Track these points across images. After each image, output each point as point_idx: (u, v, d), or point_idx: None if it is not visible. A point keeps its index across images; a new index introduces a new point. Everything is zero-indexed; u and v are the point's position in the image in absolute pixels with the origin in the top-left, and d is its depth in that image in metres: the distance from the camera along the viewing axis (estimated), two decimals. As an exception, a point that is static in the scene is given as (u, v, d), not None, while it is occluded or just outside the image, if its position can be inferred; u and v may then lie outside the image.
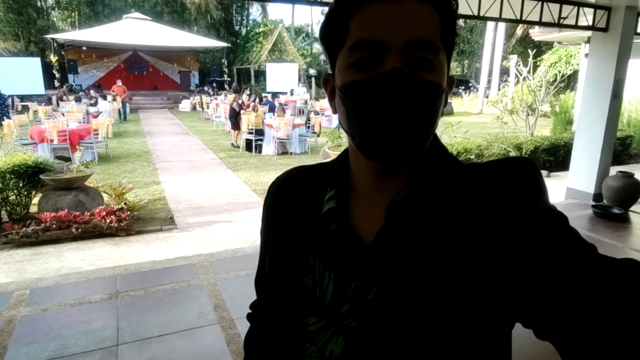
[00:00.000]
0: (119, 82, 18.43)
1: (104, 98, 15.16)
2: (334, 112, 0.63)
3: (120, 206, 5.34)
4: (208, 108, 17.40)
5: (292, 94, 21.21)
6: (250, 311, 0.86)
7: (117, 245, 4.85)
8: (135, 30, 22.32)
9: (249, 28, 30.65)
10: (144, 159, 9.71)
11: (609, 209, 5.63)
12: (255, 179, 7.98)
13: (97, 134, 9.49)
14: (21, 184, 5.35)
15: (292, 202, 0.70)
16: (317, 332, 0.61)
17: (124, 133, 13.35)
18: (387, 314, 0.56)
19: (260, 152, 10.70)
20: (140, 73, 25.38)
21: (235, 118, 11.45)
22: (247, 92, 15.43)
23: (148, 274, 3.76)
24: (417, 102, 0.53)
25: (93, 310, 3.13)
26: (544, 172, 8.28)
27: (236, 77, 27.62)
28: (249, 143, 10.83)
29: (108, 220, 5.01)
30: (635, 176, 5.76)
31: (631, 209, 5.76)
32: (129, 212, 5.26)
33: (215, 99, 18.10)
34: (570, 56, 19.72)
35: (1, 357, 2.57)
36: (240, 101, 12.21)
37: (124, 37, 21.77)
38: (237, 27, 31.82)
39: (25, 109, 14.48)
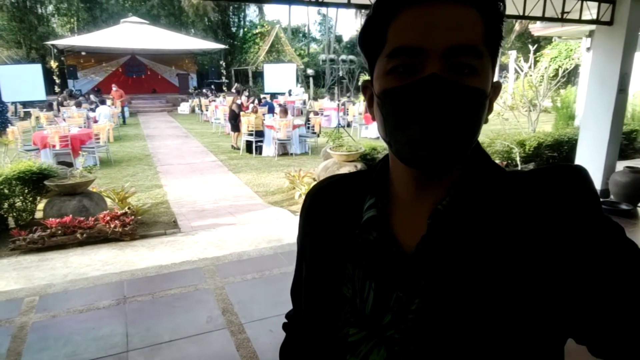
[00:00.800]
0: (114, 87, 18.57)
1: (103, 102, 15.15)
2: (373, 119, 0.62)
3: (123, 211, 5.34)
4: (207, 110, 17.38)
5: (290, 94, 21.19)
6: (285, 321, 0.85)
7: (122, 250, 4.84)
8: (132, 34, 22.32)
9: (246, 29, 30.66)
10: (145, 162, 9.71)
11: (617, 205, 5.56)
12: (256, 180, 7.96)
13: (99, 139, 9.49)
14: (26, 190, 5.35)
15: (330, 211, 0.69)
16: (358, 343, 0.59)
17: (125, 137, 13.34)
18: (430, 326, 0.55)
19: (260, 153, 10.69)
20: (139, 77, 25.37)
21: (235, 120, 11.44)
22: (246, 93, 15.42)
23: (155, 278, 3.75)
24: (457, 108, 0.52)
25: (102, 316, 3.13)
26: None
27: (234, 79, 27.60)
28: (249, 145, 10.83)
29: (112, 225, 5.01)
30: (643, 171, 5.72)
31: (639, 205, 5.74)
32: (132, 217, 5.25)
33: (214, 100, 18.09)
34: (571, 50, 19.70)
35: (14, 364, 2.57)
36: (239, 102, 12.20)
37: (122, 41, 21.77)
38: (234, 29, 31.81)
39: (27, 115, 14.47)
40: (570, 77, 15.17)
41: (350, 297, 0.61)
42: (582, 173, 0.57)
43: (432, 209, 0.58)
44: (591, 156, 6.18)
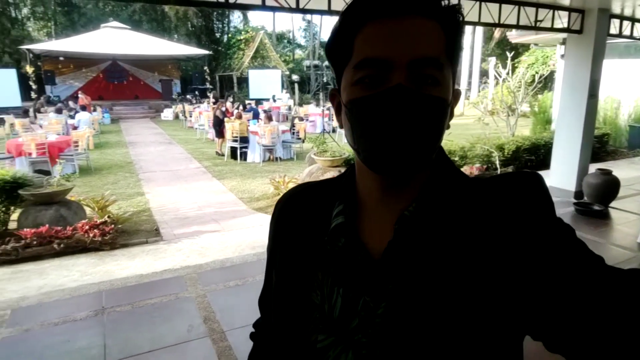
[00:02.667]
0: (81, 94, 19.08)
1: (84, 109, 14.90)
2: (341, 127, 0.64)
3: (103, 219, 5.24)
4: (191, 116, 17.24)
5: (274, 100, 21.16)
6: (253, 330, 0.85)
7: (101, 259, 4.74)
8: (113, 40, 22.03)
9: (230, 35, 30.55)
10: (126, 169, 9.56)
11: (590, 206, 5.75)
12: (241, 186, 7.91)
13: (77, 146, 9.31)
14: (-1, 200, 5.20)
15: (300, 218, 0.70)
16: (326, 349, 0.60)
17: (106, 144, 13.13)
18: (396, 329, 0.56)
19: (245, 159, 10.63)
20: (120, 82, 25.04)
21: (219, 126, 11.37)
22: (231, 99, 15.34)
23: (135, 288, 3.68)
24: (421, 116, 0.54)
25: (78, 328, 3.05)
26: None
27: (219, 85, 27.48)
28: (233, 151, 10.76)
29: (91, 235, 4.90)
30: (614, 173, 5.89)
31: (611, 205, 5.89)
32: (112, 225, 5.16)
33: (198, 107, 17.96)
34: (547, 57, 20.15)
35: (-18, 381, 2.48)
36: (223, 109, 12.14)
37: (103, 46, 21.46)
38: (218, 35, 31.70)
39: (0, 122, 14.12)
40: (547, 82, 15.48)
41: (319, 303, 0.62)
42: (537, 179, 0.60)
43: (399, 215, 0.60)
44: (565, 159, 6.34)
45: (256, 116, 13.42)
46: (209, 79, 25.36)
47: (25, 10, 27.19)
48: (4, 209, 5.31)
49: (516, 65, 15.71)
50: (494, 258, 0.54)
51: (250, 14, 33.28)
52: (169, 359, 2.73)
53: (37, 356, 2.71)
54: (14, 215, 5.43)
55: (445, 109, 0.57)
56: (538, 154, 8.81)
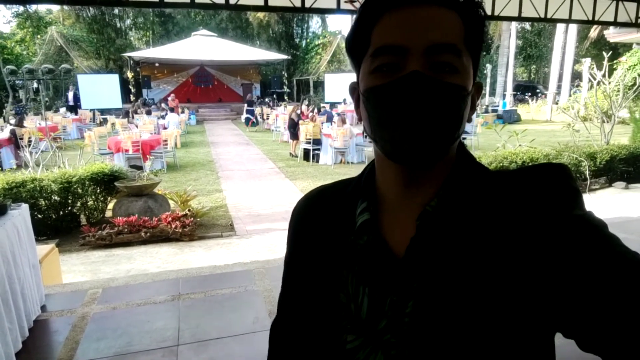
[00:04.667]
0: (172, 97, 20.51)
1: (172, 111, 16.13)
2: (359, 119, 0.64)
3: (184, 212, 5.63)
4: (268, 119, 17.91)
5: (344, 102, 21.28)
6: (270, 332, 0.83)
7: (180, 249, 5.11)
8: (202, 46, 23.59)
9: (308, 40, 31.28)
10: (207, 167, 10.18)
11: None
12: (312, 188, 8.04)
13: (167, 144, 10.10)
14: (98, 190, 5.81)
15: (321, 219, 0.69)
16: (356, 350, 0.60)
17: (191, 143, 14.08)
18: (425, 327, 0.55)
19: (317, 161, 10.82)
20: (206, 86, 26.69)
21: (294, 128, 11.70)
22: (306, 102, 15.70)
23: (208, 278, 3.92)
24: (438, 103, 0.53)
25: (157, 310, 3.32)
26: (621, 184, 7.66)
27: (296, 88, 28.22)
28: (306, 152, 11.01)
29: (173, 226, 5.30)
30: None
31: None
32: (192, 219, 5.53)
33: (275, 109, 18.61)
34: (653, 58, 18.12)
35: (73, 351, 2.78)
36: (299, 111, 12.47)
37: (192, 53, 23.07)
38: (297, 40, 32.58)
39: (104, 121, 15.78)
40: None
41: (345, 303, 0.62)
42: (563, 170, 0.58)
43: (421, 211, 0.59)
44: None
45: (330, 119, 13.61)
46: (286, 82, 26.16)
47: (128, 22, 30.02)
48: (102, 198, 5.92)
49: (614, 67, 14.33)
50: (519, 253, 0.53)
51: (329, 19, 33.82)
52: (234, 347, 2.87)
53: (121, 332, 2.99)
54: (110, 205, 6.03)
55: (464, 97, 0.56)
56: (637, 165, 7.98)
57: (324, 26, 32.95)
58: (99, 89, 19.93)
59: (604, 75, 10.08)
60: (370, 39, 0.58)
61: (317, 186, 0.77)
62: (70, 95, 21.32)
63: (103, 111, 19.09)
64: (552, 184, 0.56)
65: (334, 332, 0.62)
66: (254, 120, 18.71)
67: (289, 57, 26.80)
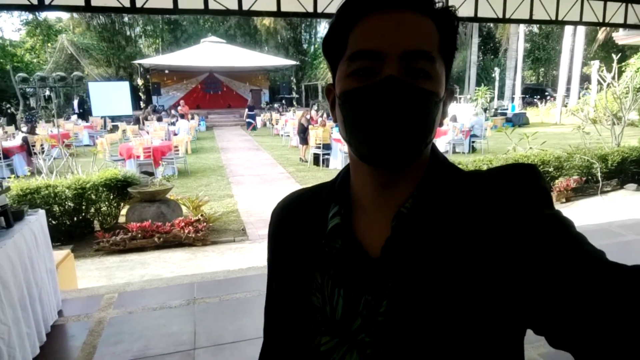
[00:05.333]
0: (182, 103, 20.80)
1: (183, 117, 16.29)
2: (334, 121, 0.66)
3: (197, 218, 5.68)
4: (277, 124, 18.01)
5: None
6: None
7: (194, 254, 5.14)
8: (211, 53, 23.81)
9: (317, 46, 31.45)
10: (218, 173, 10.25)
11: None
12: (322, 192, 8.08)
13: (178, 150, 10.19)
14: (112, 196, 5.87)
15: (296, 224, 0.70)
16: (330, 352, 0.60)
17: (201, 149, 14.19)
18: (399, 326, 0.56)
19: (327, 166, 10.85)
20: (216, 93, 26.91)
21: (303, 133, 11.75)
22: (315, 107, 15.77)
23: (222, 282, 3.94)
24: (412, 108, 0.55)
25: (173, 314, 3.34)
26: (632, 185, 7.58)
27: (304, 94, 28.36)
28: (316, 157, 11.04)
29: (186, 231, 5.34)
30: None
31: None
32: (205, 224, 5.57)
33: (284, 115, 18.71)
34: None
35: (90, 355, 2.81)
36: (308, 117, 12.53)
37: (201, 59, 23.30)
38: (305, 46, 32.78)
39: (115, 128, 15.96)
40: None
41: (320, 306, 0.62)
42: (532, 171, 0.59)
43: (396, 212, 0.60)
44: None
45: (339, 124, 13.66)
46: (295, 88, 26.30)
47: (137, 29, 30.42)
48: (115, 204, 5.98)
49: (624, 69, 14.21)
50: (490, 252, 0.54)
51: (337, 25, 33.91)
52: (250, 351, 2.88)
53: (137, 336, 3.01)
54: (123, 211, 6.09)
55: (436, 102, 0.57)
56: (649, 167, 7.89)
57: (332, 31, 33.09)
58: (110, 96, 20.20)
59: (613, 78, 10.01)
60: (348, 42, 0.58)
61: (294, 190, 0.78)
62: (76, 103, 21.60)
63: (114, 118, 19.32)
64: (522, 184, 0.57)
65: (308, 335, 0.63)
66: (255, 124, 19.71)
67: (298, 63, 26.97)
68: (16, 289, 2.50)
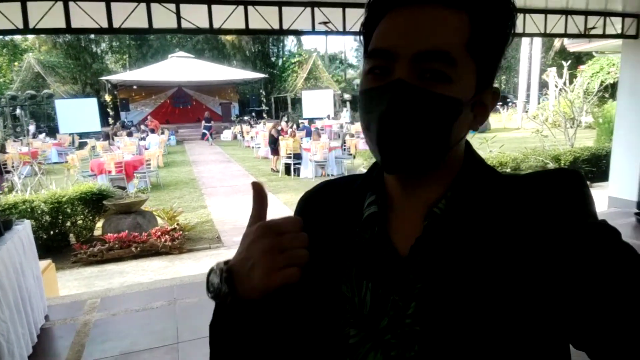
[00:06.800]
0: (149, 118, 21.22)
1: (153, 132, 16.28)
2: None
3: (173, 227, 5.82)
4: (248, 136, 18.20)
5: (329, 118, 21.88)
6: None
7: (171, 262, 5.29)
8: (179, 68, 23.88)
9: (284, 59, 31.91)
10: (191, 185, 10.36)
11: (651, 216, 5.55)
12: (294, 200, 8.22)
13: (149, 164, 10.25)
14: (87, 210, 5.96)
15: (328, 212, 0.67)
16: (357, 346, 0.58)
17: (172, 163, 14.21)
18: (427, 331, 0.53)
19: (298, 175, 11.13)
20: (185, 107, 26.86)
21: (274, 144, 12.00)
22: (285, 119, 16.07)
23: (202, 284, 3.97)
24: (421, 114, 0.51)
25: (155, 314, 3.51)
26: (584, 182, 8.16)
27: (274, 106, 28.68)
28: (287, 167, 11.31)
29: (163, 240, 5.48)
30: (679, 181, 5.65)
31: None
32: (180, 232, 5.73)
33: (254, 127, 18.93)
34: (613, 65, 19.20)
35: (80, 352, 2.97)
36: (279, 128, 12.82)
37: (170, 74, 23.34)
38: (273, 59, 33.16)
39: (83, 145, 15.78)
40: (613, 91, 14.79)
41: (349, 296, 0.60)
42: (577, 177, 0.57)
43: (427, 211, 0.58)
44: (626, 168, 6.15)
45: (309, 134, 13.98)
46: (264, 100, 26.59)
47: (103, 45, 30.10)
48: (91, 217, 6.07)
49: (576, 74, 15.16)
50: (528, 260, 0.51)
51: (304, 38, 34.55)
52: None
53: (123, 335, 3.18)
54: (98, 224, 6.17)
55: (456, 108, 0.53)
56: (599, 165, 8.50)
57: (300, 44, 33.66)
58: (78, 113, 19.94)
59: (564, 83, 10.74)
60: (372, 37, 0.56)
61: (322, 181, 0.75)
62: (32, 127, 20.69)
63: (82, 135, 19.04)
64: (565, 190, 0.55)
65: (336, 324, 0.60)
66: (209, 136, 21.02)
67: (266, 76, 27.28)
68: (11, 291, 2.66)
